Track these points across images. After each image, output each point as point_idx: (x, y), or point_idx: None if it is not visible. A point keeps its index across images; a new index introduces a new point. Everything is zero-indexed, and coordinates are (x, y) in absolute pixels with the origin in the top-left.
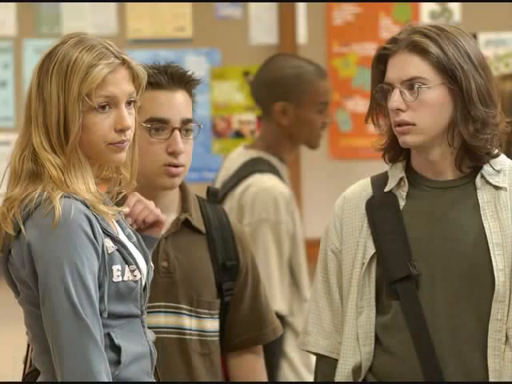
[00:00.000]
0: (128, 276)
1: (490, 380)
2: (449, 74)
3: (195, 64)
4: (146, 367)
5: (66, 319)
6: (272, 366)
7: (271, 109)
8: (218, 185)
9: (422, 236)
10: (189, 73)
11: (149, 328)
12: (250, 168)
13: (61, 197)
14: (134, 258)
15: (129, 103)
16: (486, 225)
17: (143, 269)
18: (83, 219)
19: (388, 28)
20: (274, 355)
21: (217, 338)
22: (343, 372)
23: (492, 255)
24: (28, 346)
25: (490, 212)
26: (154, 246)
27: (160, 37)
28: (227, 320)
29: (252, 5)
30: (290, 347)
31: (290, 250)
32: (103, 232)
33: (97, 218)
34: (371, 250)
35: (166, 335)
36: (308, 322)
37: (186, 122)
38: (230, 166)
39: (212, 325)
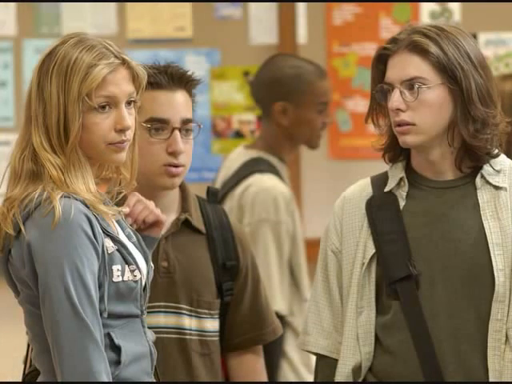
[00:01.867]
0: (128, 276)
1: (490, 380)
2: (449, 73)
3: (195, 64)
4: (145, 367)
5: (66, 319)
6: (272, 365)
7: (271, 109)
8: (218, 185)
9: (422, 236)
10: (189, 73)
11: (149, 328)
12: (249, 168)
13: (61, 197)
14: (134, 258)
15: (129, 103)
16: (485, 225)
17: (143, 269)
18: (83, 219)
19: (388, 28)
20: (274, 355)
21: (217, 338)
22: (343, 372)
23: (492, 255)
24: (28, 346)
25: (489, 212)
26: (154, 246)
27: (160, 37)
28: (227, 320)
29: (252, 5)
30: (290, 347)
31: (290, 249)
32: (103, 232)
33: (97, 217)
34: (371, 249)
35: (166, 335)
36: (308, 322)
37: (186, 121)
38: (230, 165)
39: (212, 325)
